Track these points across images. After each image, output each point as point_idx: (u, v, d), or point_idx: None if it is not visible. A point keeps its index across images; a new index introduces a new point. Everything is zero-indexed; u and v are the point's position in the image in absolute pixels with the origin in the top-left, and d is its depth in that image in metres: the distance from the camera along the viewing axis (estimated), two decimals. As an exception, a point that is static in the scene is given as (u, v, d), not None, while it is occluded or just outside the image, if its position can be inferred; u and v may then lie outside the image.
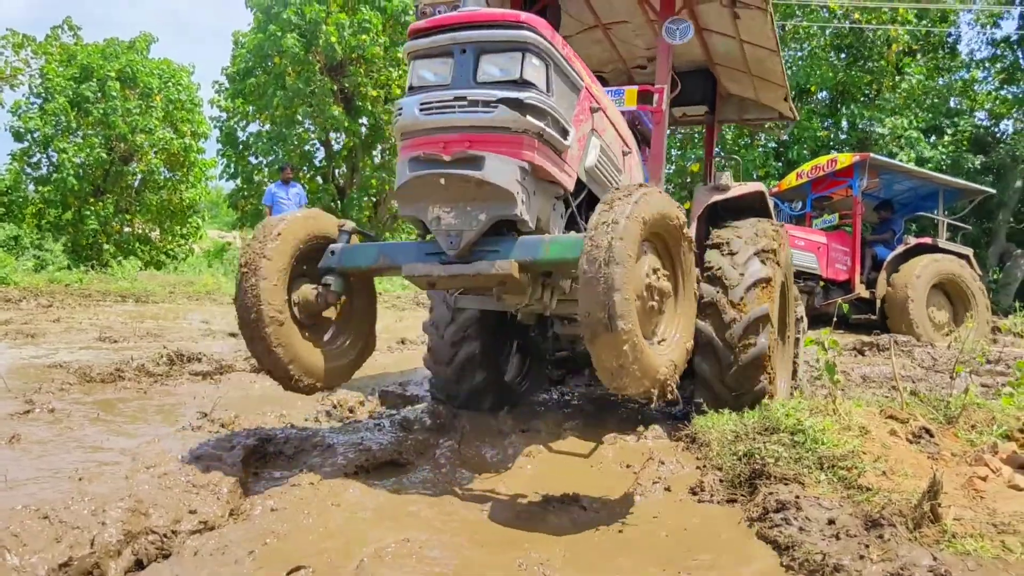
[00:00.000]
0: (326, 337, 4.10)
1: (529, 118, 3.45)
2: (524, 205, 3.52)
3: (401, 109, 3.64)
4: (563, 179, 3.77)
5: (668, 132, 5.94)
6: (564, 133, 3.66)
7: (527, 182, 3.54)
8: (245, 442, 4.18)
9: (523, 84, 3.48)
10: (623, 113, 4.92)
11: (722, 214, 5.40)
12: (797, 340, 6.05)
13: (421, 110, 3.55)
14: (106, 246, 19.08)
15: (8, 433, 4.24)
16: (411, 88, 3.68)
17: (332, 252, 3.96)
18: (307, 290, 3.90)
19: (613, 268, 3.00)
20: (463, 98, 3.48)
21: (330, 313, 4.12)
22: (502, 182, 3.45)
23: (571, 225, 4.11)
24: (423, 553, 3.04)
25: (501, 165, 3.45)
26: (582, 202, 4.24)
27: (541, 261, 3.54)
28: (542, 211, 3.72)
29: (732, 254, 4.96)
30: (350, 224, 4.09)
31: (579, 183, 4.04)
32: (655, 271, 3.49)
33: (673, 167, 18.38)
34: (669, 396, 3.36)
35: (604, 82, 6.25)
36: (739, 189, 5.41)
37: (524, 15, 3.56)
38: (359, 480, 3.88)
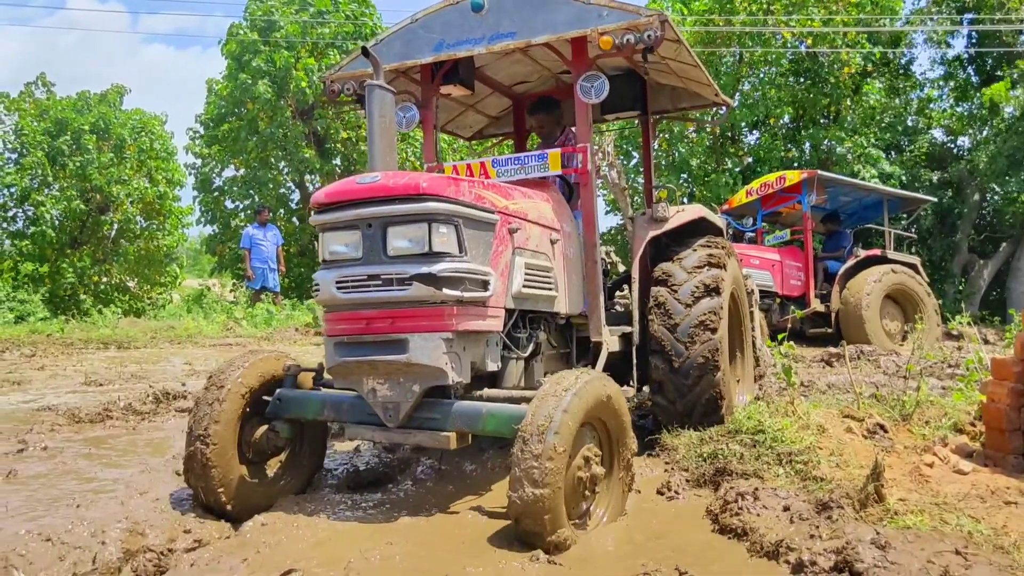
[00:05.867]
0: (271, 474, 4.16)
1: (445, 290, 3.47)
2: (455, 371, 3.58)
3: (318, 285, 3.68)
4: (490, 325, 3.84)
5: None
6: (485, 285, 3.70)
7: (454, 347, 3.58)
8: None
9: (434, 256, 3.49)
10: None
11: (666, 241, 5.42)
12: (754, 341, 6.23)
13: (338, 287, 3.60)
14: (83, 296, 19.18)
15: (5, 469, 4.41)
16: (325, 261, 3.72)
17: (279, 399, 4.01)
18: (258, 431, 3.99)
19: (544, 463, 3.10)
20: (377, 276, 3.52)
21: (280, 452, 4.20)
22: (429, 361, 3.50)
23: (507, 345, 4.17)
24: (406, 555, 3.25)
25: (425, 344, 3.49)
26: (517, 319, 4.27)
27: (478, 432, 3.63)
28: (475, 356, 3.80)
29: (676, 288, 5.00)
30: (295, 366, 4.14)
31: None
32: (587, 461, 3.48)
33: (639, 197, 18.75)
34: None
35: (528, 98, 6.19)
36: (678, 219, 5.36)
37: (425, 182, 3.55)
38: (346, 495, 4.09)
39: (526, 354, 4.36)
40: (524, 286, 4.09)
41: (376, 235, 3.55)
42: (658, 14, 4.40)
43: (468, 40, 4.69)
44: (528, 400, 3.48)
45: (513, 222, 4.08)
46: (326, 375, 4.07)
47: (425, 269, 3.45)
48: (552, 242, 4.53)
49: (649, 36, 4.34)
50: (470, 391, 3.90)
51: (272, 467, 4.20)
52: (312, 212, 3.79)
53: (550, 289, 4.40)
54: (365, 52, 4.05)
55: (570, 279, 4.71)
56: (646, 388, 5.24)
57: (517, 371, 4.32)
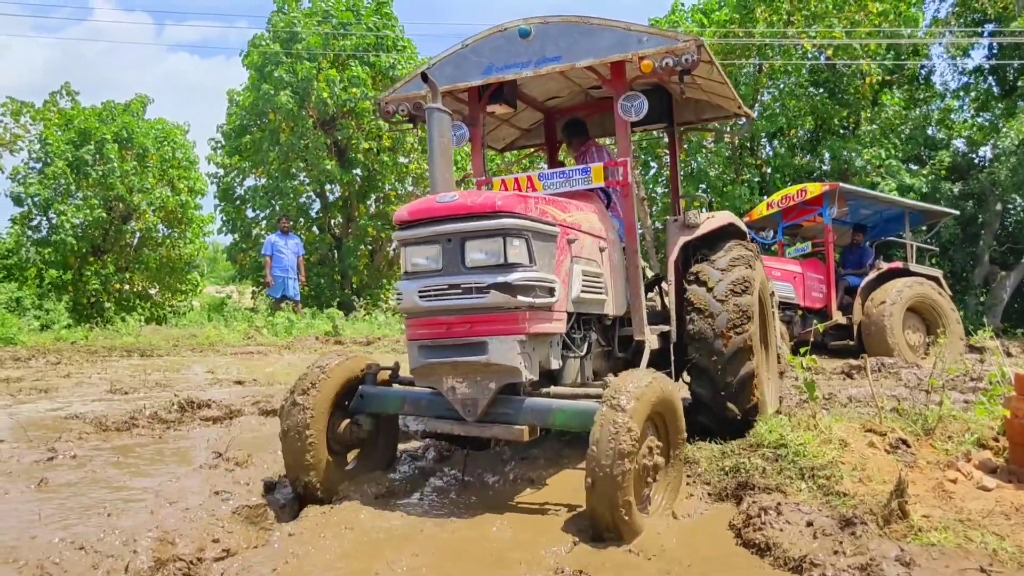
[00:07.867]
0: (351, 463, 4.63)
1: (519, 297, 3.83)
2: (527, 369, 3.95)
3: (401, 295, 4.06)
4: (555, 328, 4.20)
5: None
6: (551, 292, 4.06)
7: (527, 348, 3.95)
8: (260, 477, 4.45)
9: (508, 266, 3.86)
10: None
11: (698, 244, 5.68)
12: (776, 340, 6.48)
13: (420, 296, 3.98)
14: (107, 304, 19.35)
15: (37, 477, 4.49)
16: (407, 273, 4.09)
17: (361, 395, 4.45)
18: (342, 424, 4.39)
19: (632, 400, 3.54)
20: (457, 286, 3.90)
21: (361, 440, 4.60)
22: (506, 361, 3.88)
23: (566, 345, 4.56)
24: (432, 567, 3.29)
25: (502, 346, 3.88)
26: (574, 321, 4.60)
27: (548, 425, 4.04)
28: (542, 355, 4.17)
29: (714, 260, 5.41)
30: (375, 365, 4.58)
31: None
32: (651, 449, 3.83)
33: (659, 206, 18.78)
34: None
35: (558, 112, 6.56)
36: (709, 224, 5.68)
37: (499, 200, 3.92)
38: (369, 506, 4.13)
39: (582, 353, 4.76)
40: (582, 291, 4.46)
41: (455, 249, 3.92)
42: (694, 38, 4.65)
43: (515, 64, 5.03)
44: (592, 396, 3.96)
45: (571, 233, 4.44)
46: (409, 374, 4.38)
47: (501, 279, 3.82)
48: (601, 249, 4.90)
49: (686, 59, 4.62)
50: (536, 388, 4.26)
51: (348, 460, 4.65)
52: (395, 228, 4.12)
53: (601, 293, 4.79)
54: (424, 77, 4.32)
55: (615, 283, 5.07)
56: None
57: (575, 368, 4.72)
